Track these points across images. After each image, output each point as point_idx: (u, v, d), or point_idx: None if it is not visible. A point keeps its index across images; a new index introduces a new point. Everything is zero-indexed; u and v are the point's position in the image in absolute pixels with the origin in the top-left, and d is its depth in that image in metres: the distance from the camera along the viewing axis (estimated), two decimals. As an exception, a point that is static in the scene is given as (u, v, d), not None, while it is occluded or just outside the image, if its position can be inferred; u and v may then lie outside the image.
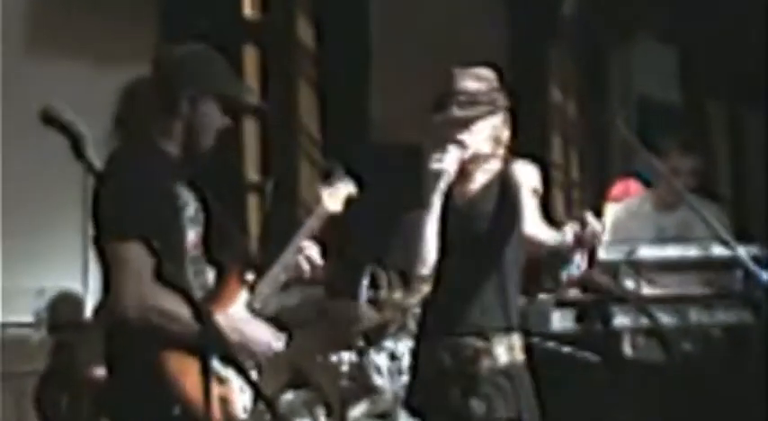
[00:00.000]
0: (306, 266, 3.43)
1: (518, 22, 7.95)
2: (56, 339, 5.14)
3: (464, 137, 3.63)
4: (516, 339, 3.66)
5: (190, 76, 3.20)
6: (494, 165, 3.73)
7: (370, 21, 6.82)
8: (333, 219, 3.62)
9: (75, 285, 4.92)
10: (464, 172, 3.70)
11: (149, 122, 3.23)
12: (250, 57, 6.40)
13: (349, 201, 3.66)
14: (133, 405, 3.06)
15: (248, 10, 6.49)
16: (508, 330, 3.63)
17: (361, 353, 4.70)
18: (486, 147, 3.69)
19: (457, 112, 3.64)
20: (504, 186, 3.69)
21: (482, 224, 3.65)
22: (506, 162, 3.72)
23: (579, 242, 3.56)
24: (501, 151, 3.72)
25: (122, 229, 2.94)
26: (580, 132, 8.35)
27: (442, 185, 3.60)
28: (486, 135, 3.67)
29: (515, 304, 3.70)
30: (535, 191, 3.69)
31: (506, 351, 3.62)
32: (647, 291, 4.73)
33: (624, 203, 5.56)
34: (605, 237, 5.49)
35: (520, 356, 3.64)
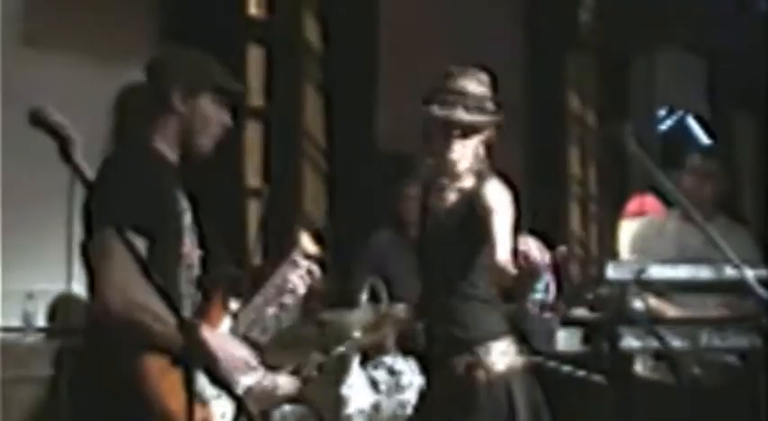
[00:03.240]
0: (301, 284, 3.50)
1: (535, 29, 7.99)
2: (54, 345, 5.17)
3: (458, 146, 3.69)
4: (509, 344, 3.69)
5: (181, 70, 3.29)
6: (467, 182, 3.78)
7: (380, 21, 6.86)
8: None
9: (62, 287, 4.98)
10: (439, 187, 3.76)
11: (144, 125, 3.30)
12: (254, 57, 6.45)
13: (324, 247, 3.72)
14: (112, 413, 3.11)
15: (253, 9, 6.53)
16: (496, 337, 3.68)
17: (354, 367, 4.75)
18: (467, 162, 3.73)
19: (463, 116, 3.67)
20: (472, 207, 3.74)
21: (451, 242, 3.71)
22: (479, 179, 3.76)
23: (551, 266, 3.61)
24: (477, 165, 3.76)
25: (115, 219, 2.97)
26: (599, 144, 8.38)
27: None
28: (474, 147, 3.73)
29: (498, 309, 3.73)
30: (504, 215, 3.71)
31: (500, 358, 3.66)
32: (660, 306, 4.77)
33: (648, 219, 5.59)
34: (623, 254, 5.56)
35: (516, 360, 3.68)
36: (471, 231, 3.71)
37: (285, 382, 3.92)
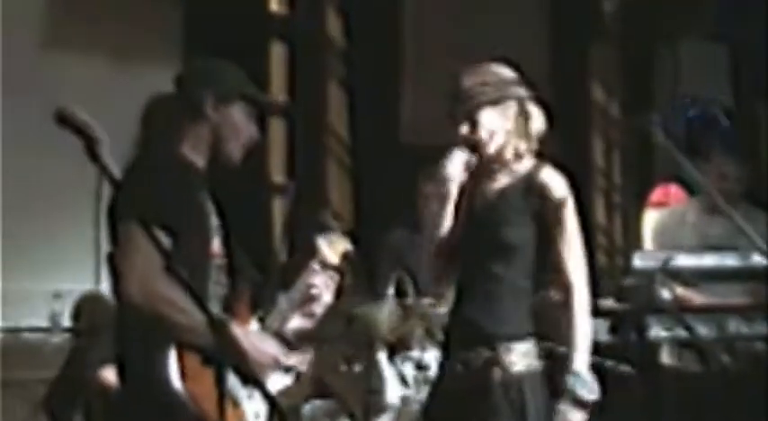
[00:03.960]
0: (325, 290, 3.52)
1: (559, 19, 7.97)
2: (74, 343, 5.21)
3: (464, 132, 3.67)
4: (531, 346, 3.68)
5: (212, 78, 3.32)
6: (522, 166, 3.75)
7: (403, 16, 6.86)
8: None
9: (89, 288, 5.01)
10: (486, 171, 3.74)
11: (173, 134, 3.32)
12: (277, 54, 6.46)
13: (345, 256, 3.73)
14: (142, 414, 3.14)
15: (275, 5, 6.55)
16: (521, 337, 3.66)
17: (382, 362, 4.77)
18: (499, 140, 3.69)
19: (454, 110, 3.69)
20: (529, 191, 3.69)
21: (496, 228, 3.69)
22: (536, 164, 3.74)
23: None
24: (525, 146, 3.72)
25: (141, 214, 2.97)
26: (623, 134, 8.36)
27: (452, 191, 3.67)
28: (494, 128, 3.68)
29: (528, 309, 3.72)
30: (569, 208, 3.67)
31: (519, 359, 3.64)
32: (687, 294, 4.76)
33: (669, 209, 5.59)
34: (647, 245, 5.55)
35: (535, 363, 3.66)
36: (520, 220, 3.70)
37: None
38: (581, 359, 3.60)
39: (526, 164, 3.72)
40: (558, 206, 3.64)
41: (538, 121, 3.73)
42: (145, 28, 5.83)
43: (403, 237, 5.54)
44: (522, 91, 3.72)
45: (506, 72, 3.75)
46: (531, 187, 3.67)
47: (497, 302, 3.66)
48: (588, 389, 3.59)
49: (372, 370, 4.72)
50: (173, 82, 3.39)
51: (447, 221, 3.70)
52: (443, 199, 3.67)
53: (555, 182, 3.67)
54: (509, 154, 3.71)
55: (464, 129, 3.65)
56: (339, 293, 3.55)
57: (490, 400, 3.61)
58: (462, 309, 3.71)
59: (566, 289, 3.63)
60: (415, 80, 6.80)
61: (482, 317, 3.65)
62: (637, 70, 8.33)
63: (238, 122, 3.31)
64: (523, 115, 3.70)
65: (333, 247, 3.63)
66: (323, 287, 3.49)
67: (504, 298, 3.66)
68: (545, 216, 3.64)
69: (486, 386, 3.63)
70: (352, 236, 3.64)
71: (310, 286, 3.50)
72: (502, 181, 3.72)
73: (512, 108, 3.69)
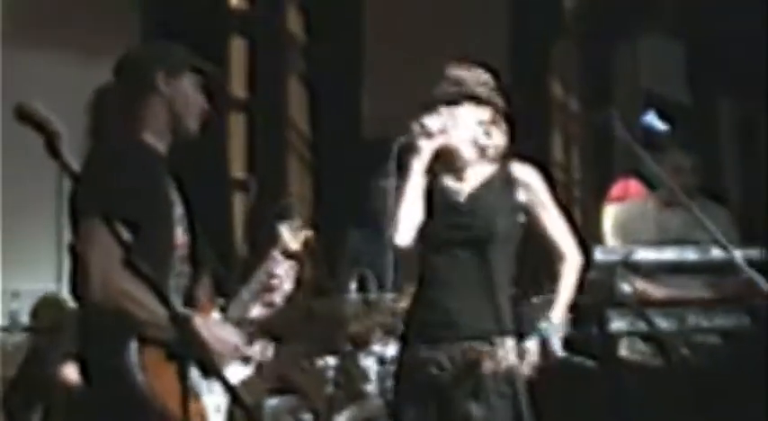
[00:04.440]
0: (286, 279, 3.51)
1: (519, 16, 8.00)
2: (32, 343, 5.17)
3: (431, 119, 3.73)
4: (512, 342, 3.74)
5: (160, 54, 3.33)
6: (486, 168, 3.82)
7: (364, 11, 6.85)
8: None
9: (49, 287, 4.98)
10: (456, 170, 3.79)
11: (129, 119, 3.30)
12: (237, 49, 6.44)
13: (306, 243, 3.73)
14: (105, 411, 3.11)
15: (235, 0, 6.53)
16: (505, 333, 3.72)
17: (345, 356, 4.77)
18: (466, 137, 3.77)
19: (440, 90, 3.76)
20: (508, 183, 3.80)
21: (485, 220, 3.74)
22: (503, 161, 3.83)
23: None
24: (492, 152, 3.81)
25: (101, 209, 2.94)
26: (582, 129, 8.40)
27: (420, 160, 3.71)
28: (469, 124, 3.76)
29: (509, 306, 3.78)
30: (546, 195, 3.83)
31: (506, 354, 3.71)
32: (647, 288, 4.80)
33: (627, 204, 5.61)
34: (607, 239, 5.58)
35: (515, 360, 3.72)
36: (507, 211, 3.79)
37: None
38: (559, 310, 3.81)
39: (493, 161, 3.78)
40: (538, 191, 3.83)
41: (502, 136, 3.80)
42: (105, 23, 5.78)
43: (362, 236, 5.52)
44: (501, 102, 3.80)
45: (492, 80, 3.83)
46: (509, 179, 3.80)
47: (482, 296, 3.70)
48: (556, 337, 3.78)
49: (335, 365, 4.72)
50: (114, 68, 3.36)
51: (419, 200, 3.73)
52: (419, 157, 3.70)
53: (528, 171, 3.84)
54: (475, 152, 3.77)
55: (441, 114, 3.71)
56: (299, 283, 3.53)
57: (482, 394, 3.65)
58: (445, 302, 3.73)
59: (561, 258, 3.86)
60: (375, 75, 6.79)
61: (466, 309, 3.69)
62: (596, 66, 8.38)
63: (190, 94, 3.32)
64: (495, 124, 3.77)
65: (294, 235, 3.63)
66: (284, 276, 3.47)
67: (487, 291, 3.70)
68: (530, 203, 3.81)
69: (476, 379, 3.67)
70: (314, 225, 3.63)
71: (271, 275, 3.48)
72: (476, 175, 3.78)
73: (488, 113, 3.76)
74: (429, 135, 3.71)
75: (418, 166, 3.72)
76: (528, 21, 7.98)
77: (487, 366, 3.69)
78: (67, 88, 5.20)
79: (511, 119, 3.87)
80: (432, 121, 3.73)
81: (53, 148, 2.62)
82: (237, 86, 6.42)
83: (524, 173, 3.83)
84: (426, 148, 3.72)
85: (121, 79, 3.36)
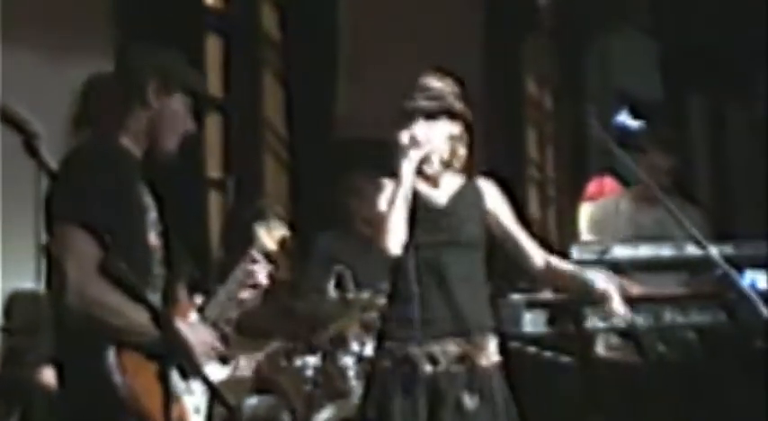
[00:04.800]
0: (263, 278, 3.51)
1: (493, 12, 8.02)
2: (8, 344, 5.13)
3: (419, 131, 3.79)
4: (493, 340, 3.82)
5: (156, 67, 3.27)
6: (455, 178, 3.94)
7: (338, 8, 6.84)
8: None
9: (27, 286, 4.94)
10: (431, 178, 3.86)
11: (112, 120, 3.27)
12: (212, 47, 6.42)
13: (283, 242, 3.73)
14: (85, 413, 3.10)
15: (211, -1, 6.51)
16: (487, 331, 3.81)
17: (326, 356, 4.77)
18: (443, 148, 3.85)
19: (422, 103, 3.80)
20: (476, 192, 3.95)
21: (465, 222, 3.86)
22: (470, 175, 3.99)
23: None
24: (458, 165, 3.88)
25: (76, 216, 2.95)
26: (557, 127, 8.42)
27: (410, 170, 3.79)
28: (443, 137, 3.84)
29: (488, 303, 3.87)
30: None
31: (487, 353, 3.78)
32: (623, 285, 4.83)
33: (601, 202, 5.64)
34: (582, 237, 5.62)
35: (496, 358, 3.81)
36: (480, 221, 3.93)
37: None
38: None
39: (458, 172, 3.95)
40: (502, 203, 4.01)
41: (465, 149, 3.87)
42: (78, 21, 5.75)
43: (336, 237, 5.50)
44: (470, 115, 3.86)
45: (460, 89, 3.90)
46: (477, 191, 3.96)
47: (464, 296, 3.77)
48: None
49: (314, 364, 4.72)
50: (115, 60, 3.33)
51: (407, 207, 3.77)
52: (409, 166, 3.76)
53: (491, 186, 4.02)
54: (443, 163, 3.83)
55: (419, 125, 3.76)
56: (274, 282, 3.53)
57: (459, 391, 3.71)
58: (429, 302, 3.77)
59: (542, 262, 4.01)
60: (351, 75, 6.79)
61: (456, 310, 3.76)
62: (569, 63, 8.41)
63: (179, 114, 3.28)
64: (461, 139, 3.84)
65: (270, 234, 3.62)
66: (261, 276, 3.47)
67: (469, 292, 3.78)
68: (495, 214, 3.97)
69: (456, 377, 3.72)
70: (291, 224, 3.64)
71: (248, 274, 3.48)
72: (448, 183, 3.93)
73: (458, 128, 3.83)
74: (418, 145, 3.75)
75: (408, 175, 3.76)
76: (500, 17, 8.00)
77: (470, 363, 3.75)
78: (40, 87, 5.18)
79: (472, 131, 3.96)
80: (420, 131, 3.78)
81: (31, 149, 2.62)
82: (213, 85, 6.40)
83: (487, 185, 4.00)
84: (415, 158, 3.77)
85: (113, 79, 3.33)
